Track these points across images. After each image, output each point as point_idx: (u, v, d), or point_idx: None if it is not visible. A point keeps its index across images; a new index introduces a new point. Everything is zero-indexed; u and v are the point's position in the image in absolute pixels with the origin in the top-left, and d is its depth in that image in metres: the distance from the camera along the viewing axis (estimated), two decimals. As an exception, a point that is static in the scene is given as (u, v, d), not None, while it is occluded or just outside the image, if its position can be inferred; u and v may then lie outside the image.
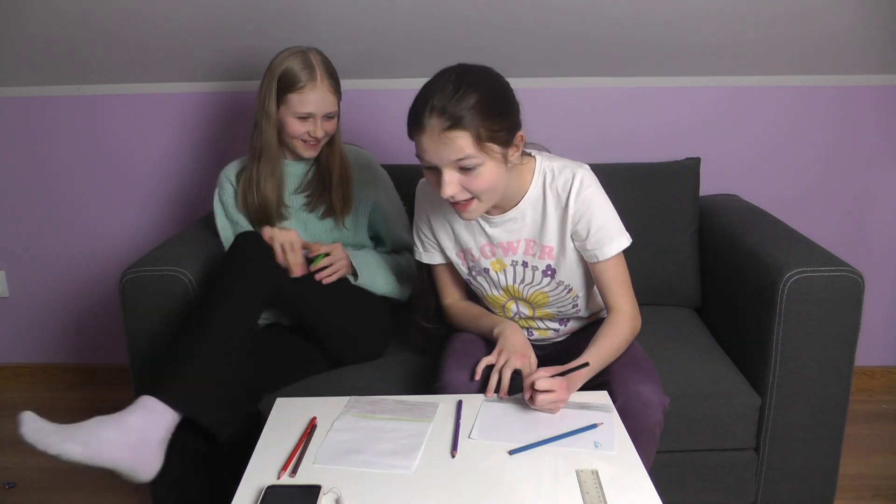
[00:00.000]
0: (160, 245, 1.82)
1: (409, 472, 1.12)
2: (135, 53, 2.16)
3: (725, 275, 1.92)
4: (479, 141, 1.26)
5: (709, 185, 2.21)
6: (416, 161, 2.25)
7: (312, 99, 1.64)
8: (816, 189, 2.32)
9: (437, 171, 1.31)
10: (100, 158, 2.38)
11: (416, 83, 2.20)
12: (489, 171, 1.30)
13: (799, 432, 1.66)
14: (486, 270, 1.53)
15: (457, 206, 1.35)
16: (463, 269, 1.57)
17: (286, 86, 1.63)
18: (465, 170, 1.29)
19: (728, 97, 2.25)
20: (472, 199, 1.33)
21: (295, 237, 1.58)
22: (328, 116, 1.67)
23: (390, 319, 1.79)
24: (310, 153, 1.71)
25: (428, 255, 1.60)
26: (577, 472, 1.10)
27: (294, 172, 1.78)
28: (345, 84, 2.24)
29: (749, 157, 2.30)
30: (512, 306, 1.58)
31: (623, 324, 1.45)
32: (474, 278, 1.57)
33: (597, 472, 1.10)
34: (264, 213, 1.73)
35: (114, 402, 2.42)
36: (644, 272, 1.96)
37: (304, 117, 1.65)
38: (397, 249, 1.86)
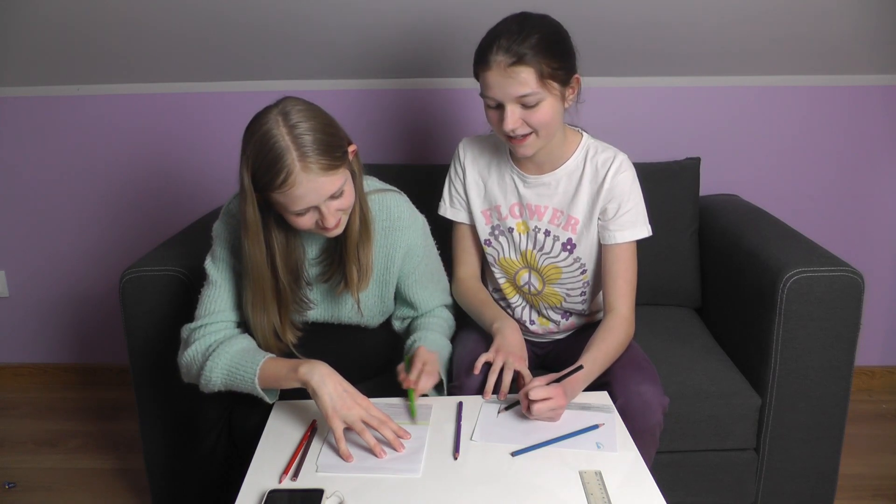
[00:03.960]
0: (160, 245, 1.82)
1: (416, 475, 1.11)
2: (135, 53, 2.16)
3: (725, 275, 1.92)
4: (542, 77, 1.33)
5: (709, 185, 2.21)
6: (420, 160, 2.30)
7: (301, 193, 1.23)
8: (816, 189, 2.32)
9: (499, 110, 1.38)
10: (99, 158, 2.38)
11: (417, 83, 2.25)
12: (548, 107, 1.37)
13: (799, 432, 1.66)
14: (511, 230, 1.57)
15: (514, 142, 1.41)
16: (485, 229, 1.60)
17: (263, 185, 1.24)
18: (526, 106, 1.35)
19: (728, 97, 2.25)
20: (529, 134, 1.39)
21: (376, 411, 1.22)
22: (334, 196, 1.28)
23: (390, 339, 1.65)
24: (333, 234, 1.34)
25: (453, 211, 1.63)
26: (581, 473, 1.10)
27: (313, 238, 1.45)
28: (346, 84, 2.27)
29: (749, 157, 2.30)
30: (524, 275, 1.60)
31: (619, 328, 1.46)
32: (495, 238, 1.60)
33: (600, 473, 1.10)
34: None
35: (113, 403, 2.46)
36: (644, 272, 1.95)
37: (302, 212, 1.28)
38: (430, 310, 1.60)
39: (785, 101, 2.25)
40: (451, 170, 1.63)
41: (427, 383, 1.33)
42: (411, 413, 1.29)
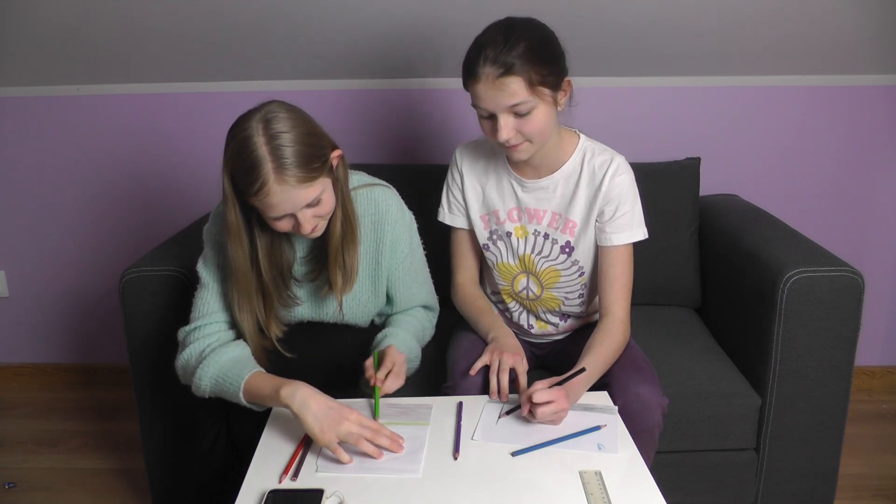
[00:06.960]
0: (160, 245, 1.82)
1: (416, 475, 1.11)
2: (134, 53, 2.16)
3: (725, 275, 1.92)
4: (531, 86, 1.32)
5: (709, 185, 2.21)
6: (416, 160, 2.30)
7: (276, 202, 1.23)
8: (816, 189, 2.32)
9: (492, 119, 1.37)
10: (99, 158, 2.38)
11: (417, 83, 2.25)
12: (541, 114, 1.36)
13: (799, 432, 1.66)
14: (509, 235, 1.57)
15: (509, 149, 1.40)
16: (483, 234, 1.60)
17: (240, 190, 1.24)
18: (519, 115, 1.34)
19: (728, 97, 2.25)
20: (524, 141, 1.39)
21: (367, 422, 1.19)
22: (310, 205, 1.27)
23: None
24: (312, 236, 1.34)
25: (451, 217, 1.63)
26: (581, 473, 1.10)
27: (301, 237, 1.43)
28: (345, 84, 2.27)
29: (749, 157, 2.30)
30: (522, 280, 1.59)
31: (616, 332, 1.45)
32: (493, 243, 1.59)
33: (600, 473, 1.10)
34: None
35: (113, 403, 2.46)
36: (644, 272, 1.95)
37: (279, 218, 1.27)
38: (406, 309, 1.59)
39: (785, 101, 2.25)
40: (449, 176, 1.62)
41: (393, 385, 1.32)
42: (374, 412, 1.27)
